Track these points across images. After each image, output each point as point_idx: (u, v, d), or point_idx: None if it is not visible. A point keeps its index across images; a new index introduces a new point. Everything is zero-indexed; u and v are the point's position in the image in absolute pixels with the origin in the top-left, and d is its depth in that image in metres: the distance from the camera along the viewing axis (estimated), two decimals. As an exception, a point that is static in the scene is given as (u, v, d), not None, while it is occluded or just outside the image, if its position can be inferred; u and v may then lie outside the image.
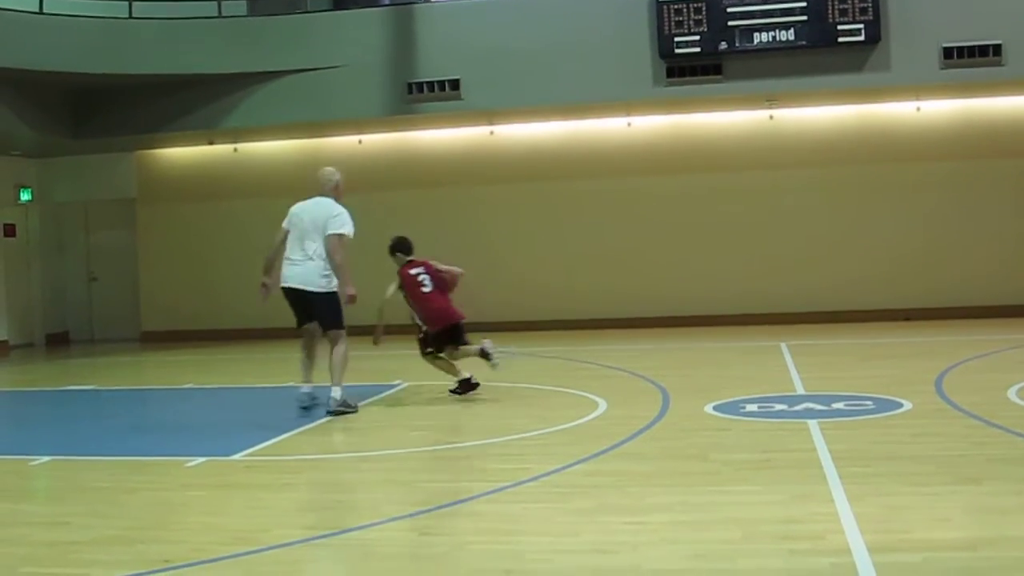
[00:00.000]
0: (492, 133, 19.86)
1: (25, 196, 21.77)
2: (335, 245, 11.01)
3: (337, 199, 11.60)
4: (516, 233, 19.75)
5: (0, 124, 17.87)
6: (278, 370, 15.28)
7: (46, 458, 9.16)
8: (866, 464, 7.57)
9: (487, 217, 19.84)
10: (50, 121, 19.03)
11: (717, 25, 16.83)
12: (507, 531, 6.41)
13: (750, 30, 16.79)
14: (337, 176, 11.82)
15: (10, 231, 21.42)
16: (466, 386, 11.66)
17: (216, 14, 18.53)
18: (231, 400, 13.18)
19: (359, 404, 11.10)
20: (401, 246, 12.44)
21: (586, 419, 9.94)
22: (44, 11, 17.45)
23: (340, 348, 11.01)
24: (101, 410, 12.82)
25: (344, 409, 10.75)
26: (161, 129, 19.28)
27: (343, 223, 11.22)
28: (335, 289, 10.98)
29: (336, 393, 10.80)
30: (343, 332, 11.11)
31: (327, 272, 10.95)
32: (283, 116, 18.54)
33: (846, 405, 10.03)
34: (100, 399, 13.79)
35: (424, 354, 11.98)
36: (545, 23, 17.69)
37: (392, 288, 12.10)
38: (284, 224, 11.61)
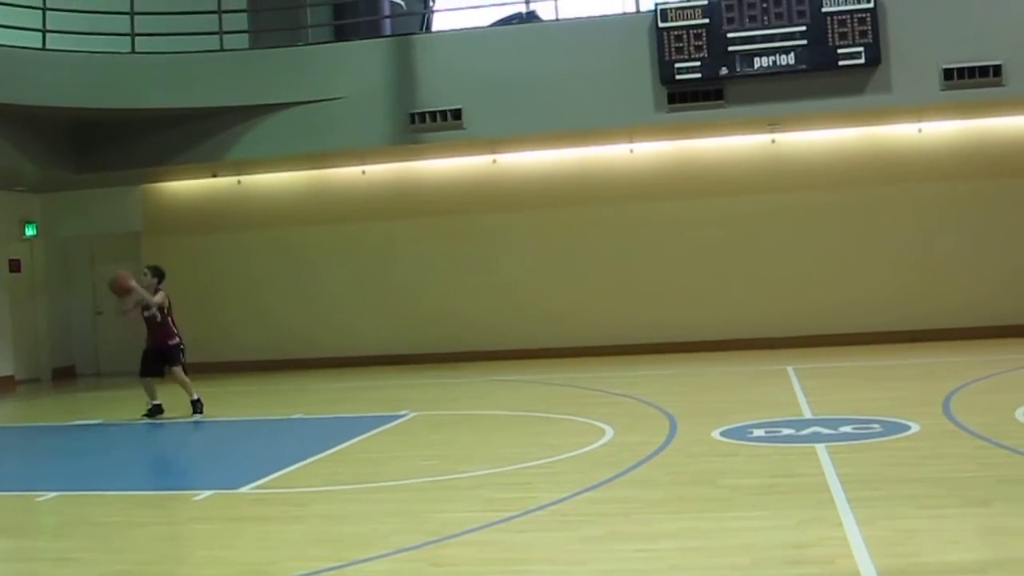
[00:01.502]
0: (495, 162, 19.90)
1: (30, 231, 21.82)
2: None
3: None
4: (520, 261, 19.77)
5: (4, 159, 17.94)
6: (284, 401, 15.29)
7: (53, 493, 9.15)
8: (875, 487, 7.55)
9: (491, 245, 19.87)
10: (54, 156, 19.09)
11: (717, 50, 16.88)
12: (516, 560, 6.40)
13: (750, 55, 16.83)
14: None
15: (15, 266, 21.45)
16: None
17: (218, 47, 18.59)
18: (238, 432, 13.16)
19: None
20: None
21: (593, 446, 9.93)
22: (47, 47, 17.54)
23: None
24: (108, 444, 12.81)
25: None
26: (165, 162, 19.33)
27: None
28: None
29: None
30: None
31: None
32: (286, 148, 18.57)
33: (854, 428, 10.01)
34: (107, 433, 13.78)
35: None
36: (546, 51, 17.74)
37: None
38: None
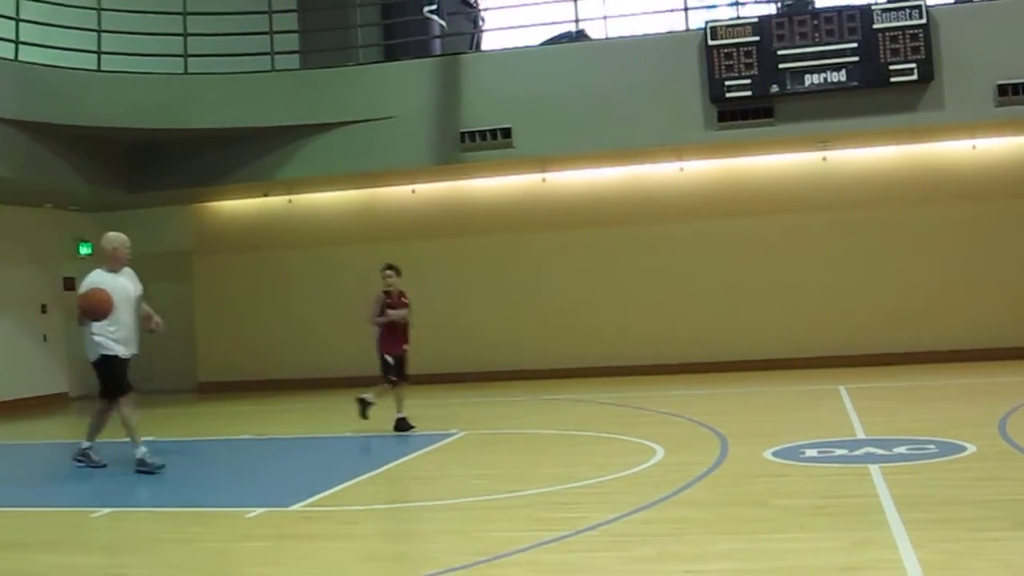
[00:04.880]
0: (544, 180, 19.91)
1: (84, 250, 22.02)
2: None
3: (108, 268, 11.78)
4: (569, 279, 19.74)
5: (59, 179, 18.15)
6: (335, 420, 15.32)
7: (106, 510, 9.23)
8: (929, 509, 7.46)
9: (540, 264, 19.86)
10: (108, 175, 19.28)
11: (768, 68, 16.80)
12: (566, 581, 6.37)
13: (801, 72, 16.73)
14: (107, 245, 11.98)
15: (70, 285, 21.62)
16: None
17: (269, 68, 18.73)
18: (289, 450, 13.21)
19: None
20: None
21: (644, 466, 9.88)
22: (101, 68, 17.74)
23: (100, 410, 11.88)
24: (161, 461, 12.86)
25: (144, 470, 11.23)
26: (217, 182, 19.48)
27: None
28: (100, 356, 11.48)
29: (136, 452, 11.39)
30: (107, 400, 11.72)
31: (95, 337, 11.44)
32: (337, 167, 18.66)
33: (908, 449, 9.90)
34: (159, 450, 13.82)
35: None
36: (595, 69, 17.73)
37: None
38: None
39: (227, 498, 9.75)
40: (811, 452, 10.03)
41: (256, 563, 7.30)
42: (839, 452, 9.97)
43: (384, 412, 13.49)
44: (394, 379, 13.46)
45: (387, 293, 13.53)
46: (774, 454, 10.02)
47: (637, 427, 12.51)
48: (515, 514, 8.35)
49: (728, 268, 19.13)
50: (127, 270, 11.80)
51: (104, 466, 11.55)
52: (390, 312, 13.42)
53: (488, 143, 17.82)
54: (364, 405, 13.43)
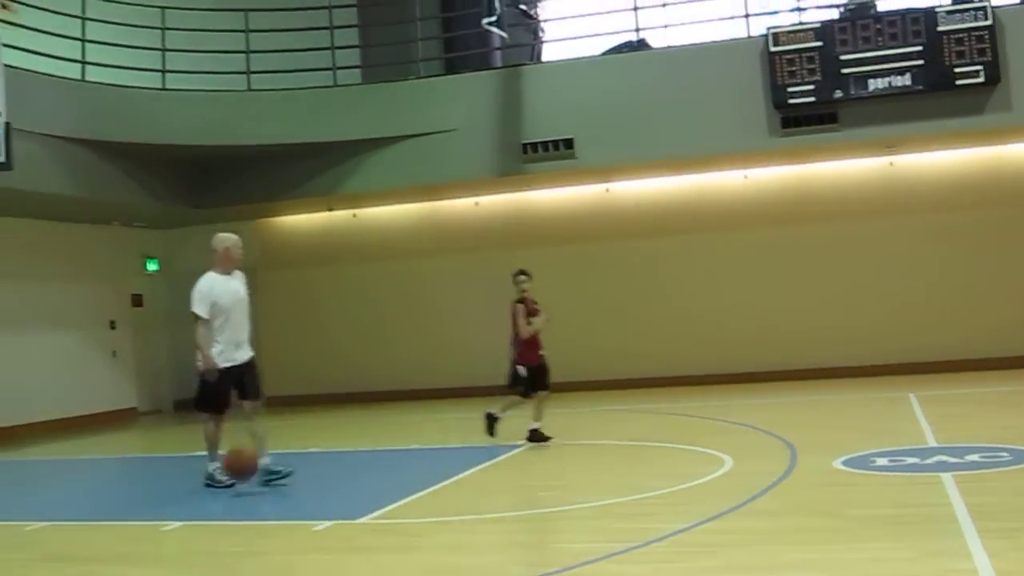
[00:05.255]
0: (608, 190, 19.86)
1: (151, 266, 22.29)
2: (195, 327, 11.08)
3: (220, 270, 11.33)
4: (633, 289, 19.67)
5: (126, 197, 18.38)
6: (400, 432, 15.36)
7: (178, 523, 9.31)
8: (1005, 518, 7.33)
9: (604, 274, 19.80)
10: (173, 192, 19.50)
11: (831, 73, 16.66)
12: (636, 593, 6.33)
13: (864, 77, 16.58)
14: (219, 245, 11.44)
15: (138, 301, 21.94)
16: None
17: (331, 83, 18.85)
18: (355, 463, 13.24)
19: (229, 481, 11.06)
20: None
21: (712, 476, 9.81)
22: (166, 87, 17.94)
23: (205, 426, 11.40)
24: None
25: (212, 484, 11.12)
26: (280, 197, 19.63)
27: (192, 301, 11.09)
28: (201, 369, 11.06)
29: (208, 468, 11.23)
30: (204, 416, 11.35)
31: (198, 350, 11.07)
32: (400, 180, 18.73)
33: (981, 457, 9.75)
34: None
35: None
36: (657, 78, 17.68)
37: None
38: None
39: (295, 511, 9.80)
40: (882, 461, 9.91)
41: (324, 576, 7.33)
42: (910, 460, 9.84)
43: (429, 427, 13.49)
44: (522, 390, 12.83)
45: (523, 301, 13.02)
46: (844, 463, 9.90)
47: (704, 437, 12.42)
48: (583, 525, 8.31)
49: (794, 276, 18.98)
50: (238, 272, 11.41)
51: (233, 483, 11.02)
52: (535, 321, 12.90)
53: (550, 154, 17.81)
54: (491, 421, 12.96)
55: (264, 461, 10.87)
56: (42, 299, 19.39)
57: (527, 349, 12.89)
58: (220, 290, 11.02)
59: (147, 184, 18.75)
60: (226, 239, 11.36)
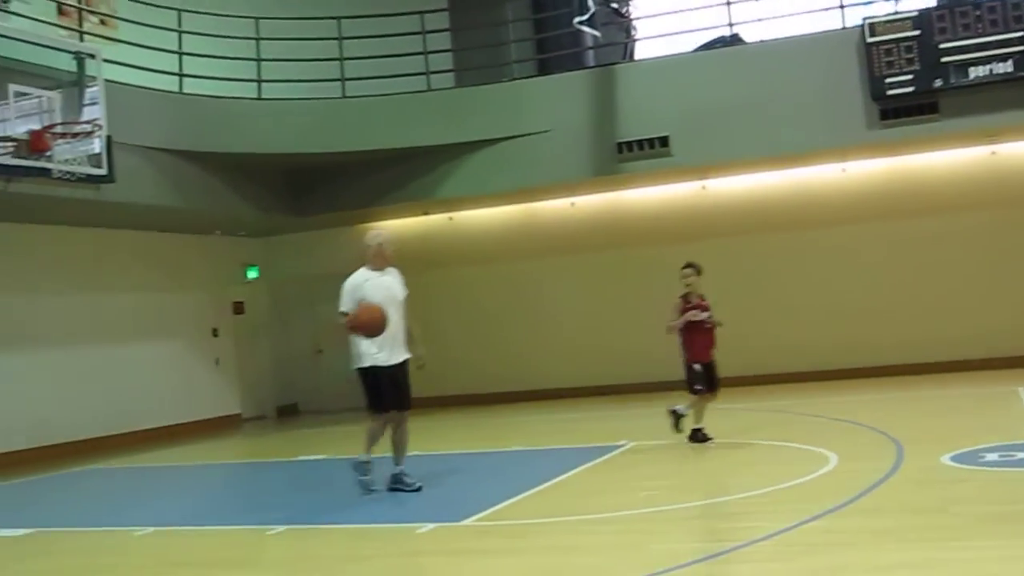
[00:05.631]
0: (704, 188, 19.72)
1: (252, 274, 22.59)
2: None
3: (372, 267, 11.08)
4: (731, 287, 19.45)
5: (226, 206, 18.64)
6: (502, 434, 15.38)
7: (283, 527, 9.40)
8: (1122, 513, 7.15)
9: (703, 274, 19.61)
10: (273, 201, 19.74)
11: (930, 62, 16.37)
12: (742, 593, 6.26)
13: (965, 65, 16.27)
14: (371, 242, 11.19)
15: (239, 308, 22.25)
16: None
17: (425, 88, 18.94)
18: (457, 465, 13.25)
19: (368, 477, 10.80)
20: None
21: (817, 474, 9.67)
22: (262, 96, 18.16)
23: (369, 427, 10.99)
24: (333, 479, 13.05)
25: (357, 471, 10.90)
26: (377, 203, 19.75)
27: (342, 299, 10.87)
28: (361, 367, 10.66)
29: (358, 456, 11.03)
30: (373, 414, 10.86)
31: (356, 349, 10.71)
32: (495, 184, 18.77)
33: (1094, 451, 9.53)
34: (330, 468, 14.07)
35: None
36: (751, 73, 17.52)
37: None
38: None
39: (399, 514, 9.84)
40: (991, 456, 9.70)
41: (429, 579, 7.35)
42: (1021, 456, 9.62)
43: (530, 428, 13.46)
44: (700, 388, 12.36)
45: (685, 297, 12.63)
46: (952, 459, 9.71)
47: (808, 434, 12.27)
48: (686, 525, 8.25)
49: (895, 270, 18.68)
50: (392, 269, 11.13)
51: (419, 488, 10.66)
52: (687, 315, 12.44)
53: (645, 152, 17.73)
54: (676, 417, 12.43)
55: (398, 469, 10.81)
56: (146, 309, 19.75)
57: (693, 346, 12.48)
58: (371, 286, 10.76)
59: (246, 193, 19.00)
60: (379, 235, 11.18)
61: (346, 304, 10.70)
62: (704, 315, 12.50)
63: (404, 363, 10.75)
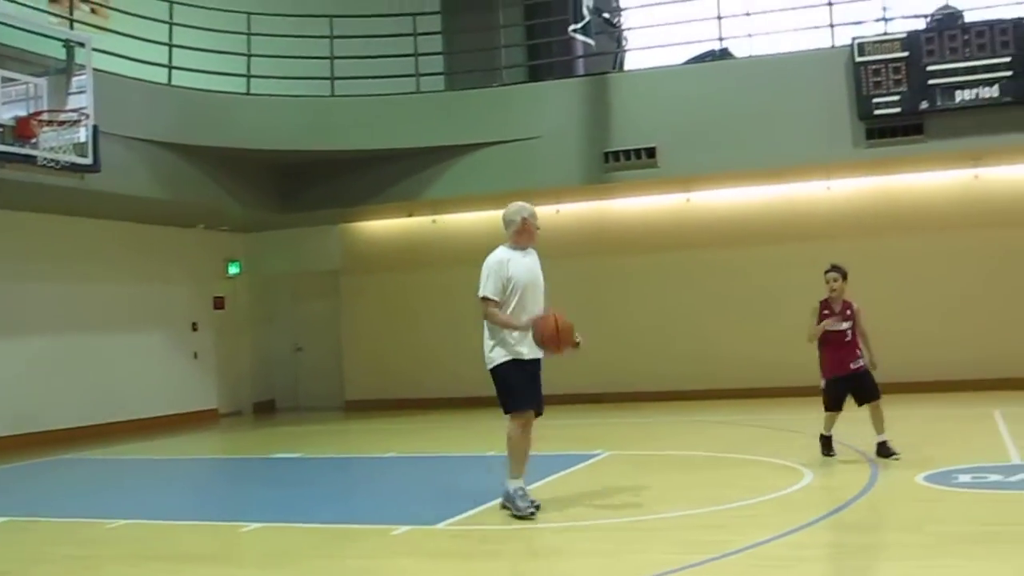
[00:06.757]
0: (688, 200, 19.77)
1: (234, 269, 22.58)
2: (482, 311, 9.28)
3: (515, 245, 9.71)
4: (712, 299, 19.55)
5: (211, 200, 18.61)
6: (480, 438, 15.38)
7: (257, 524, 9.39)
8: (1093, 538, 7.21)
9: (684, 284, 19.71)
10: (258, 197, 19.72)
11: (917, 84, 16.47)
12: (715, 605, 6.28)
13: (952, 88, 16.37)
14: (516, 215, 9.84)
15: (220, 303, 22.23)
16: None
17: (415, 90, 18.96)
18: (434, 468, 13.28)
19: (530, 509, 9.02)
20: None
21: (792, 489, 9.73)
22: (251, 92, 18.15)
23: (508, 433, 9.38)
24: (307, 477, 13.07)
25: (509, 506, 9.14)
26: (363, 203, 19.76)
27: (480, 280, 9.37)
28: (499, 362, 9.23)
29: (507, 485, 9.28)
30: (511, 416, 9.31)
31: (492, 341, 9.30)
32: (481, 187, 18.75)
33: (1067, 475, 9.60)
34: (306, 466, 14.07)
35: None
36: (740, 87, 17.59)
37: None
38: None
39: (374, 515, 9.84)
40: (965, 477, 9.76)
41: (404, 580, 7.35)
42: (993, 478, 9.69)
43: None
44: (831, 408, 11.42)
45: (826, 302, 11.62)
46: (926, 479, 9.78)
47: (785, 450, 12.32)
48: (661, 536, 8.27)
49: (877, 287, 18.68)
50: (532, 249, 9.78)
51: (534, 511, 9.02)
52: (824, 324, 11.42)
53: (632, 163, 17.78)
54: (823, 441, 11.58)
55: (511, 485, 9.23)
56: (126, 300, 19.72)
57: (826, 358, 11.58)
58: (516, 267, 9.42)
59: (232, 188, 18.97)
60: (523, 208, 9.82)
61: (491, 287, 9.26)
62: (839, 325, 11.45)
63: (540, 360, 9.40)
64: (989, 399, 16.27)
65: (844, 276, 11.56)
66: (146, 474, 14.42)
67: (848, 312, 11.50)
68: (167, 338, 20.66)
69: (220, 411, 21.75)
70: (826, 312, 11.53)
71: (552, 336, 8.95)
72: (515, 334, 9.12)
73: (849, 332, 11.45)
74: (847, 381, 11.37)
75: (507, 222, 9.78)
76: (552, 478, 11.27)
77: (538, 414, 9.45)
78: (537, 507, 9.07)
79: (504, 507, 9.15)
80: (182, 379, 20.99)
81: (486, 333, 9.30)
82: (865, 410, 11.45)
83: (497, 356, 9.19)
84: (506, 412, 9.30)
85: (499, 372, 9.19)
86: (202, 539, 9.25)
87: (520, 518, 8.86)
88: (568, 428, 14.96)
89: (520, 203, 9.91)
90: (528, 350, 9.17)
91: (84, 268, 18.81)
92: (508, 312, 9.15)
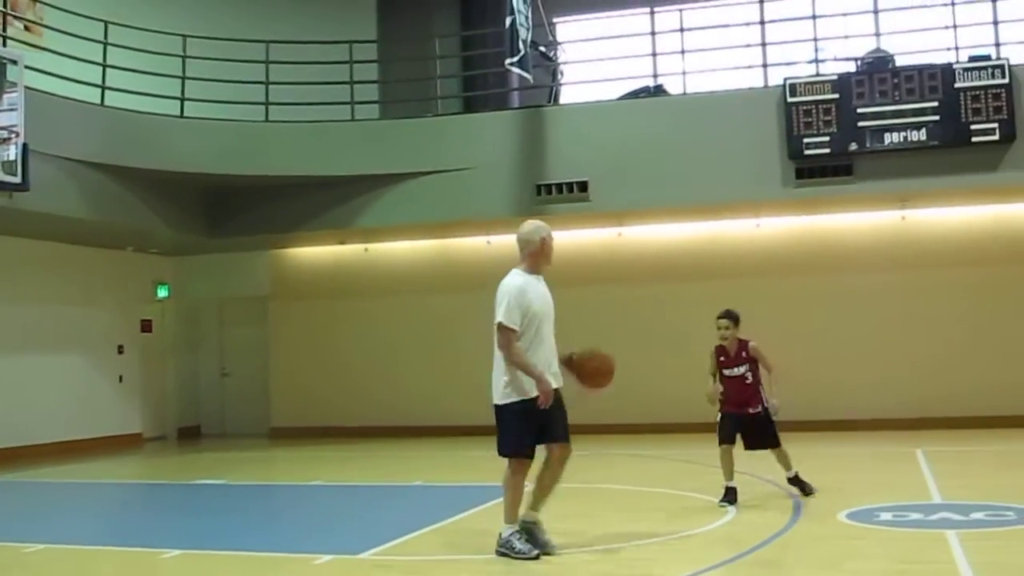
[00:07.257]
0: (620, 235, 19.88)
1: (162, 292, 22.38)
2: (498, 340, 8.75)
3: (530, 269, 9.07)
4: (641, 335, 19.61)
5: (140, 222, 18.42)
6: (405, 468, 15.33)
7: (176, 551, 9.28)
8: (1008, 577, 7.31)
9: (614, 318, 19.74)
10: (187, 220, 19.56)
11: (847, 126, 16.71)
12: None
13: (881, 131, 16.63)
14: (534, 235, 9.10)
15: (147, 327, 22.01)
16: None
17: (349, 117, 18.94)
18: (359, 497, 13.22)
19: (534, 551, 8.53)
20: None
21: (715, 524, 9.78)
22: (184, 115, 18.04)
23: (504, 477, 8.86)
24: (231, 504, 12.95)
25: (507, 552, 8.54)
26: (294, 229, 19.64)
27: (499, 306, 8.74)
28: (508, 402, 8.69)
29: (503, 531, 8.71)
30: (511, 460, 8.77)
31: (505, 377, 8.73)
32: (413, 216, 18.73)
33: (986, 515, 9.71)
34: (230, 493, 13.94)
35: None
36: (673, 125, 17.73)
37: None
38: None
39: (297, 544, 9.76)
40: (886, 515, 9.86)
41: (324, 610, 7.30)
42: (914, 516, 9.80)
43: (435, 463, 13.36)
44: (723, 440, 11.36)
45: (721, 348, 11.64)
46: (848, 516, 9.87)
47: (710, 485, 12.35)
48: (585, 570, 8.27)
49: (802, 327, 18.90)
50: (541, 276, 9.12)
51: (538, 551, 8.53)
52: (710, 391, 11.57)
53: (565, 196, 17.86)
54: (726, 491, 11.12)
55: (533, 516, 8.82)
56: (51, 321, 19.47)
57: (726, 396, 11.62)
58: (535, 295, 8.85)
59: (162, 211, 18.81)
60: (541, 227, 9.09)
61: (514, 316, 8.64)
62: (740, 370, 11.48)
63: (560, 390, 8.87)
64: (912, 438, 16.45)
65: (736, 322, 11.56)
66: (66, 498, 14.22)
67: (743, 354, 11.46)
68: (92, 360, 20.41)
69: (144, 435, 21.49)
70: (722, 359, 11.53)
71: (609, 374, 9.06)
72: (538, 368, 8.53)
73: (749, 375, 11.45)
74: (740, 420, 11.44)
75: (523, 242, 9.04)
76: (479, 509, 11.26)
77: (564, 441, 8.92)
78: (550, 546, 8.64)
79: (502, 554, 8.53)
80: (106, 402, 20.72)
81: (498, 365, 8.73)
82: (789, 449, 11.52)
83: (508, 394, 8.65)
84: (500, 454, 8.75)
85: (505, 412, 8.67)
86: (122, 566, 9.14)
87: (526, 559, 8.40)
88: (496, 459, 14.91)
89: (536, 222, 9.23)
90: (552, 379, 8.71)
91: (8, 288, 18.54)
92: (527, 343, 8.65)
